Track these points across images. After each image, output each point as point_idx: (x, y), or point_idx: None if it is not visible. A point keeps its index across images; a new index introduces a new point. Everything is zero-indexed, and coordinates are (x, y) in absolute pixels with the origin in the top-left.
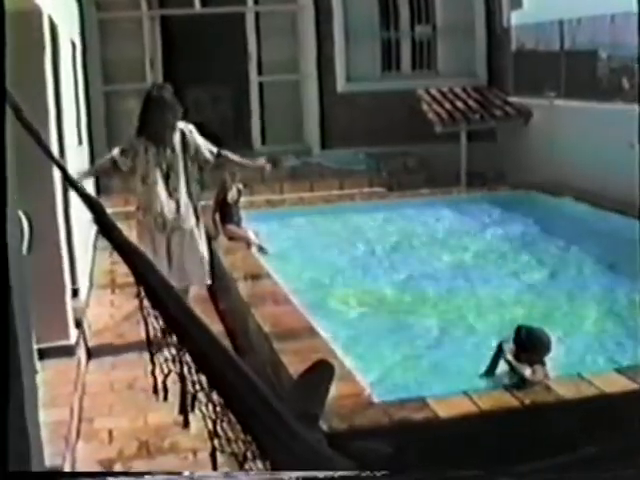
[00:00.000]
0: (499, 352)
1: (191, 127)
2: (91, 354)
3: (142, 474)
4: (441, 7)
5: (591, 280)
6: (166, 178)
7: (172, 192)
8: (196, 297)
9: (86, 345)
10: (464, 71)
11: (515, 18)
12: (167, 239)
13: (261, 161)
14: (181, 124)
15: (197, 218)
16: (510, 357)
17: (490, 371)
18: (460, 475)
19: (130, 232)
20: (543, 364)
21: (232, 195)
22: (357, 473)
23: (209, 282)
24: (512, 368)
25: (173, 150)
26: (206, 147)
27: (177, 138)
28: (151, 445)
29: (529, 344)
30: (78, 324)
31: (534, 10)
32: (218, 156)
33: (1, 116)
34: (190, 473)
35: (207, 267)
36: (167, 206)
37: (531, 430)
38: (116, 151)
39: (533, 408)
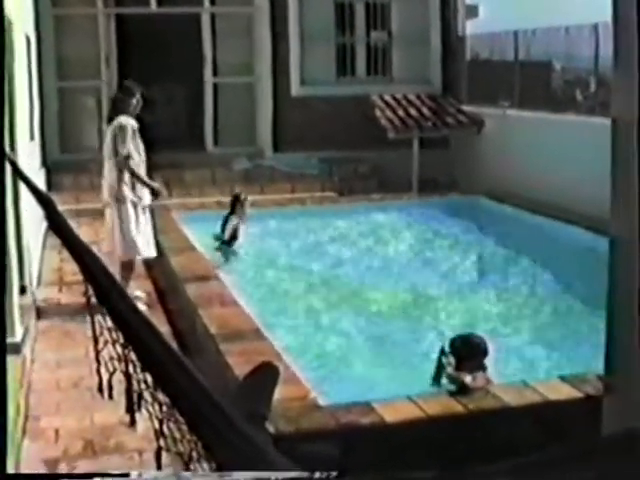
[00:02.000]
0: (440, 361)
1: (125, 123)
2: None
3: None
4: (397, 14)
5: (525, 284)
6: (108, 160)
7: (105, 173)
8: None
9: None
10: (418, 78)
11: (470, 27)
12: (110, 212)
13: (160, 187)
14: (122, 118)
15: (126, 198)
16: (449, 367)
17: (436, 379)
18: (412, 477)
19: (81, 229)
20: (484, 369)
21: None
22: (308, 475)
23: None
24: (450, 378)
25: (109, 136)
26: (121, 146)
27: (111, 128)
28: (96, 444)
29: (465, 352)
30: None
31: (489, 20)
32: (126, 160)
33: (0, 117)
34: (139, 473)
35: (122, 244)
36: (104, 184)
37: (475, 435)
38: None
39: (477, 413)
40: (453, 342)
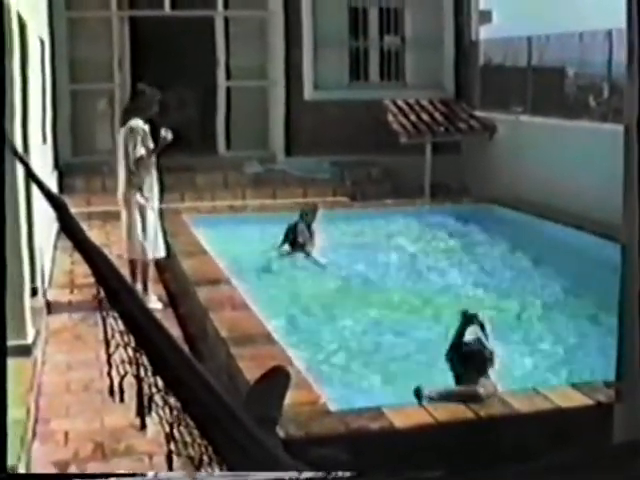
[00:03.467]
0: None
1: (136, 126)
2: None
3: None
4: (410, 19)
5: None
6: (121, 163)
7: (120, 177)
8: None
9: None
10: (431, 83)
11: (484, 32)
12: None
13: (161, 133)
14: (132, 122)
15: (135, 201)
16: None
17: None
18: (420, 477)
19: (92, 232)
20: (487, 377)
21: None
22: (322, 475)
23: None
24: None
25: (122, 141)
26: (136, 148)
27: (123, 132)
28: (106, 447)
29: (471, 360)
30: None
31: (503, 25)
32: (140, 160)
33: (1, 118)
34: (155, 474)
35: (128, 245)
36: (119, 188)
37: (486, 442)
38: None
39: (487, 420)
40: (457, 347)
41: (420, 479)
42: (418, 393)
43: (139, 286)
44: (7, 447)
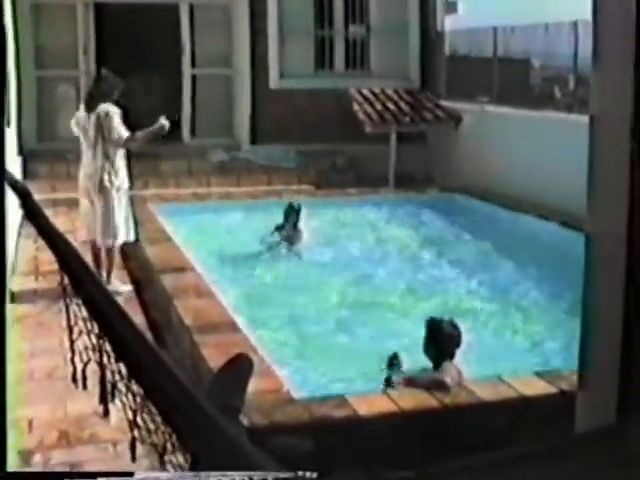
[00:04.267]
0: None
1: (111, 110)
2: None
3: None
4: (375, 8)
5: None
6: (91, 148)
7: (88, 162)
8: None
9: None
10: (397, 73)
11: (449, 23)
12: (90, 201)
13: (159, 121)
14: (108, 106)
15: (106, 187)
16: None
17: (388, 384)
18: (389, 477)
19: (57, 218)
20: (452, 357)
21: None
22: (291, 475)
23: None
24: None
25: (95, 126)
26: (117, 130)
27: (95, 117)
28: (71, 435)
29: (439, 337)
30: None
31: (468, 16)
32: (129, 140)
33: (1, 115)
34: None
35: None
36: (85, 173)
37: (450, 430)
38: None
39: (451, 408)
40: (429, 325)
41: (388, 479)
42: (388, 380)
43: (103, 273)
44: (7, 446)
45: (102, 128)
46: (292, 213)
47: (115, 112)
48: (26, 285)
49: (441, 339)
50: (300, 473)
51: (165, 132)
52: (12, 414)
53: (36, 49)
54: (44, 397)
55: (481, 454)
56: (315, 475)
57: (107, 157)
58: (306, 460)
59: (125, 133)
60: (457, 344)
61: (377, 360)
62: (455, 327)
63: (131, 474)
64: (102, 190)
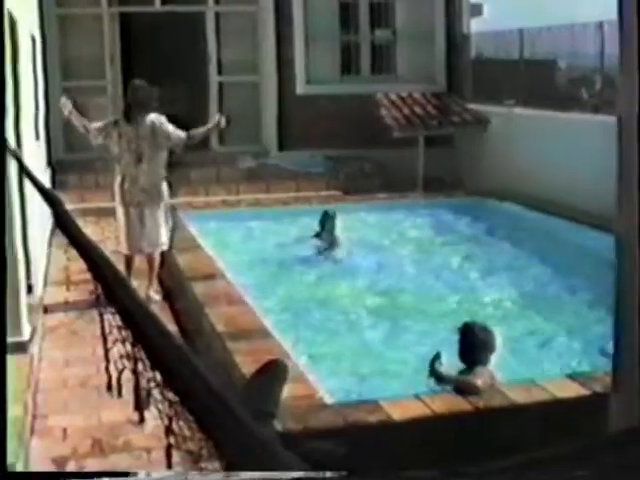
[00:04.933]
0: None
1: (162, 119)
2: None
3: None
4: (401, 12)
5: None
6: (138, 160)
7: (141, 174)
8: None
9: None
10: (423, 77)
11: (475, 25)
12: (138, 213)
13: (215, 118)
14: (153, 115)
15: (161, 197)
16: (445, 373)
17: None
18: (417, 475)
19: (86, 228)
20: (486, 363)
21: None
22: (317, 474)
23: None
24: (456, 388)
25: (144, 136)
26: (176, 132)
27: (149, 126)
28: (104, 443)
29: (473, 342)
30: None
31: (494, 18)
32: (189, 138)
33: (1, 117)
34: (146, 473)
35: (165, 238)
36: (135, 186)
37: (483, 434)
38: (94, 125)
39: (485, 411)
40: (464, 330)
41: (414, 478)
42: (434, 361)
43: (134, 281)
44: (6, 447)
45: (159, 137)
46: (328, 220)
47: (164, 119)
48: (58, 295)
49: (475, 344)
50: (328, 474)
51: (222, 127)
52: (46, 422)
53: (63, 60)
54: (78, 405)
55: (512, 456)
56: (343, 474)
57: (161, 168)
58: (340, 465)
59: (183, 133)
60: (491, 349)
61: (412, 364)
62: (489, 332)
63: (132, 474)
64: (156, 201)
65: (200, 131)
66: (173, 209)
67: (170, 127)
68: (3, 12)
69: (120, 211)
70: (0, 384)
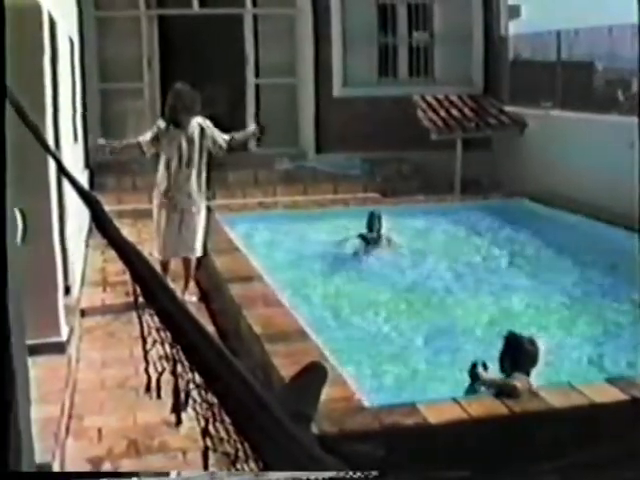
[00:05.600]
0: (473, 371)
1: (208, 122)
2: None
3: (135, 474)
4: (439, 14)
5: (577, 287)
6: (186, 165)
7: (187, 179)
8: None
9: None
10: (460, 79)
11: (513, 27)
12: (180, 217)
13: (251, 128)
14: (199, 119)
15: (203, 201)
16: (488, 377)
17: (471, 390)
18: (449, 477)
19: (123, 230)
20: (527, 374)
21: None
22: (349, 474)
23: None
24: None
25: (192, 140)
26: (220, 136)
27: (196, 130)
28: (140, 444)
29: (516, 354)
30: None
31: (532, 20)
32: (231, 141)
33: (1, 113)
34: (177, 473)
35: (199, 242)
36: (180, 191)
37: (520, 438)
38: (145, 137)
39: (522, 416)
40: (507, 339)
41: (447, 479)
42: (474, 367)
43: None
44: (7, 447)
45: (205, 140)
46: (375, 220)
47: (209, 122)
48: (95, 296)
49: (518, 354)
50: (360, 473)
51: (257, 136)
52: (82, 423)
53: (101, 62)
54: (115, 407)
55: (550, 460)
56: (375, 474)
57: (204, 172)
58: (378, 467)
59: (226, 136)
60: (533, 362)
61: (454, 369)
62: (533, 344)
63: (133, 474)
64: (198, 206)
65: (239, 135)
66: (209, 211)
67: (216, 131)
68: (3, 12)
69: (161, 216)
70: (1, 384)
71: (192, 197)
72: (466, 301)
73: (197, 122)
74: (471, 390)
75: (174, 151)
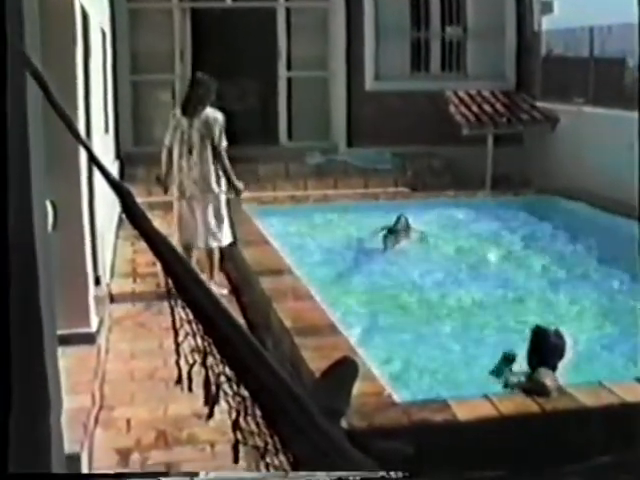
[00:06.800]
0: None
1: (219, 117)
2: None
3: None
4: (472, 9)
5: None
6: (188, 151)
7: (192, 166)
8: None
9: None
10: (493, 74)
11: (545, 23)
12: (189, 205)
13: (241, 185)
14: (209, 110)
15: (210, 190)
16: (516, 377)
17: (496, 373)
18: (480, 476)
19: (153, 221)
20: (554, 369)
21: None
22: (381, 474)
23: (218, 244)
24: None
25: (196, 128)
26: (219, 140)
27: (202, 121)
28: (169, 435)
29: (544, 346)
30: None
31: (565, 15)
32: (224, 152)
33: (2, 109)
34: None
35: (223, 231)
36: (187, 178)
37: (550, 436)
38: (166, 137)
39: (552, 413)
40: (535, 333)
41: (480, 479)
42: (508, 358)
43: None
44: (8, 447)
45: (209, 132)
46: (402, 219)
47: (222, 120)
48: (125, 287)
49: (546, 348)
50: (391, 473)
51: (240, 193)
52: (111, 413)
53: (132, 54)
54: (144, 398)
55: (576, 461)
56: (405, 474)
57: (210, 161)
58: (407, 464)
59: (224, 144)
60: (561, 356)
61: (481, 362)
62: (561, 338)
63: (133, 475)
64: (205, 194)
65: (228, 170)
66: (235, 203)
67: (217, 131)
68: (4, 10)
69: (176, 205)
70: (3, 384)
71: (198, 184)
72: (490, 295)
73: (206, 113)
74: (496, 372)
75: (178, 137)
